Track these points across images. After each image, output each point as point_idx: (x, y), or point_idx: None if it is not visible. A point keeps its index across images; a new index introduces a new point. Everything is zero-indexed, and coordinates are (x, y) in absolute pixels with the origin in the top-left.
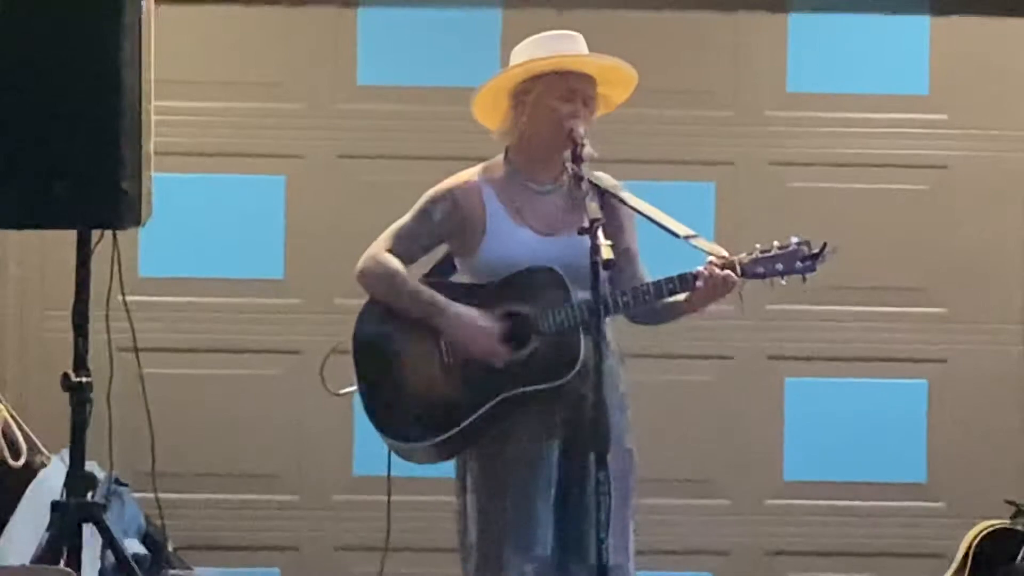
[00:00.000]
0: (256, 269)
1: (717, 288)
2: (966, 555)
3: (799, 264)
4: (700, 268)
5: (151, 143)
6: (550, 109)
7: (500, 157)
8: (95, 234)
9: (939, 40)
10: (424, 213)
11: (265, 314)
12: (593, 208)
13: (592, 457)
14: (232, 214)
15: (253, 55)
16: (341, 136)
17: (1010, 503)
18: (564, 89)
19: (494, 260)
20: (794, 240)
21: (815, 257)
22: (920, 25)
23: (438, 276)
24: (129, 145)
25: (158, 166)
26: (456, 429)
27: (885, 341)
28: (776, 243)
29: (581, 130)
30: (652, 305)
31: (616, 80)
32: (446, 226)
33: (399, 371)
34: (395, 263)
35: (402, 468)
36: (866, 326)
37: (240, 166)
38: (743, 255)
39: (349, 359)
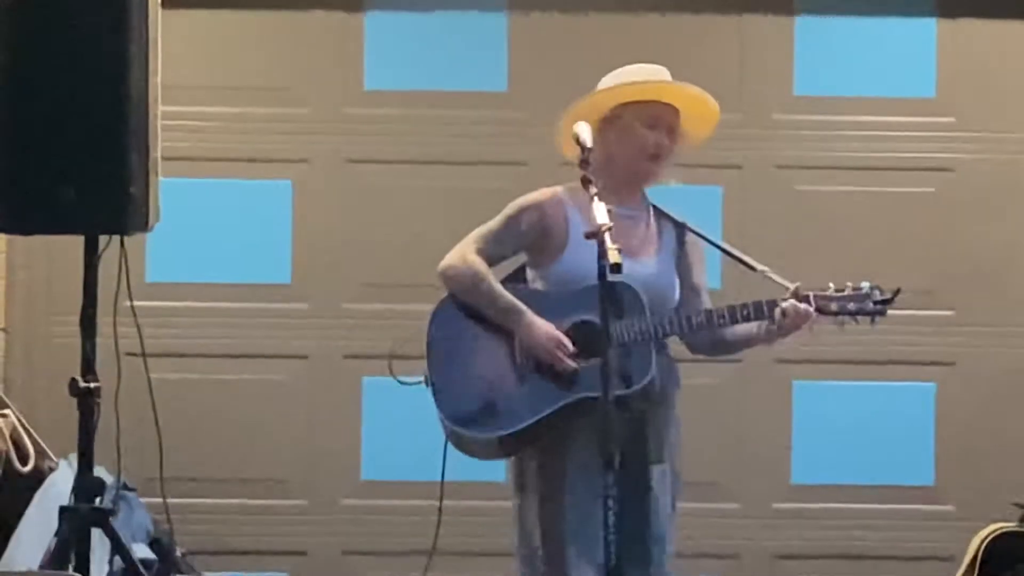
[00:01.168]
0: (263, 274)
1: (797, 320)
2: (974, 558)
3: (871, 306)
4: (784, 302)
5: (158, 148)
6: (637, 137)
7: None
8: (102, 239)
9: (946, 43)
10: (512, 220)
11: (272, 319)
12: (601, 213)
13: (618, 462)
14: (239, 219)
15: (260, 60)
16: (348, 140)
17: (1018, 506)
18: (651, 117)
19: (570, 273)
20: (865, 284)
21: (887, 302)
22: (927, 28)
23: (513, 283)
24: (136, 150)
25: (165, 171)
26: (521, 425)
27: (893, 344)
28: (850, 284)
29: (584, 135)
30: (721, 334)
31: (699, 115)
32: (531, 236)
33: (472, 364)
34: (481, 264)
35: (411, 473)
36: (873, 329)
37: (247, 171)
38: (816, 291)
39: (362, 363)
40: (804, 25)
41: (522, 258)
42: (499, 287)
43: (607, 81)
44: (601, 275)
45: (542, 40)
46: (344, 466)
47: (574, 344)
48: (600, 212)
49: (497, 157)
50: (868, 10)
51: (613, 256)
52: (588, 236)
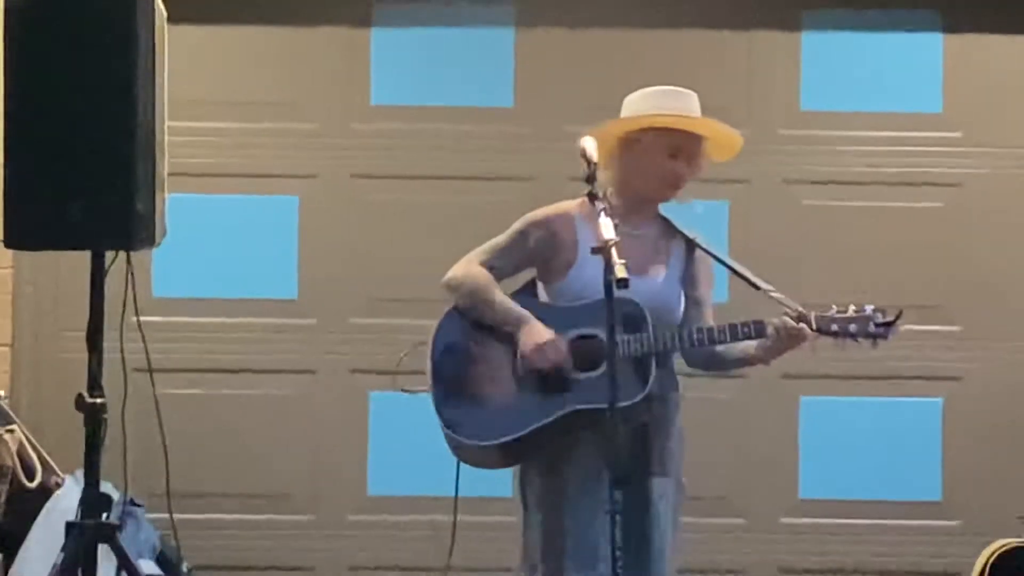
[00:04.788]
0: (270, 289)
1: (789, 340)
2: (981, 573)
3: (873, 328)
4: (774, 320)
5: (165, 164)
6: (656, 164)
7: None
8: (109, 255)
9: (952, 58)
10: (521, 235)
11: (279, 334)
12: (607, 229)
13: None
14: (246, 234)
15: (267, 75)
16: (355, 156)
17: None
18: (673, 147)
19: (578, 289)
20: (868, 308)
21: (889, 325)
22: (933, 43)
23: (523, 297)
24: (143, 166)
25: (172, 186)
26: (518, 434)
27: (899, 359)
28: (852, 306)
29: (589, 149)
30: (719, 351)
31: (724, 145)
32: (539, 252)
33: (473, 374)
34: (484, 273)
35: (417, 488)
36: (880, 344)
37: (254, 186)
38: (819, 312)
39: (369, 378)
40: (811, 41)
41: (532, 272)
42: (501, 295)
43: (635, 99)
44: (607, 290)
45: (548, 56)
46: (351, 481)
47: (575, 357)
48: (607, 227)
49: (504, 172)
50: (875, 26)
51: (619, 271)
52: (595, 251)
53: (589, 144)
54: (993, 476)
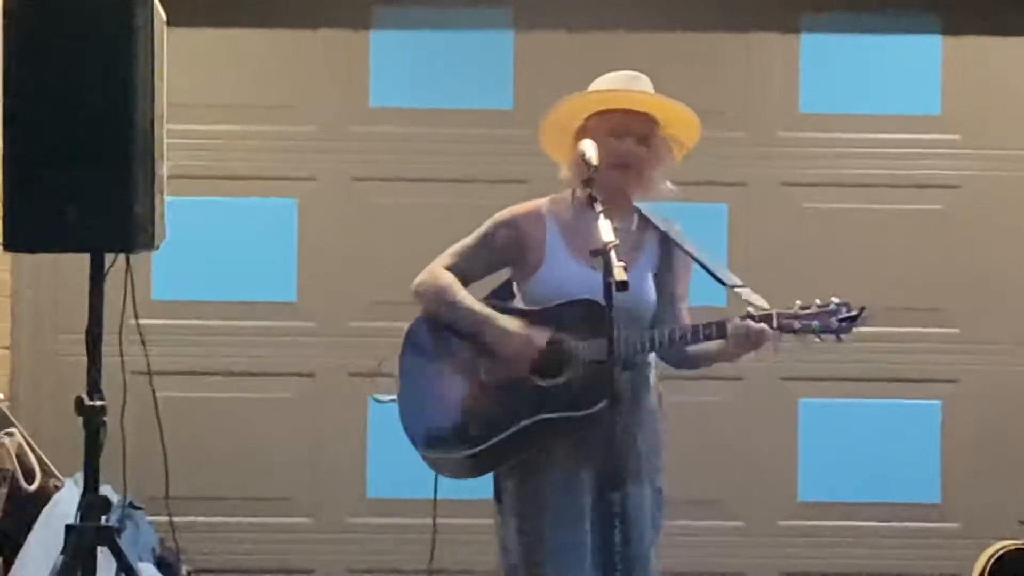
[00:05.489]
0: (269, 292)
1: (748, 340)
2: (981, 575)
3: (836, 323)
4: (736, 319)
5: (164, 167)
6: (602, 146)
7: (568, 192)
8: (108, 257)
9: (951, 60)
10: (487, 237)
11: (278, 337)
12: (606, 231)
13: (593, 481)
14: (245, 237)
15: (265, 78)
16: (353, 159)
17: None
18: (615, 126)
19: (546, 290)
20: (834, 300)
21: (852, 319)
22: (932, 45)
23: (495, 300)
24: (142, 168)
25: (171, 189)
26: (486, 444)
27: (898, 361)
28: (817, 301)
29: (590, 153)
30: (686, 351)
31: (678, 121)
32: (507, 251)
33: (439, 383)
34: (449, 277)
35: (417, 490)
36: (879, 346)
37: (253, 189)
38: (782, 309)
39: (368, 381)
40: (809, 43)
41: (507, 273)
42: (468, 298)
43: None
44: (607, 291)
45: (548, 58)
46: (350, 483)
47: (543, 364)
48: (606, 229)
49: (503, 175)
50: (873, 28)
51: (619, 273)
52: (594, 253)
53: (589, 148)
54: (992, 478)
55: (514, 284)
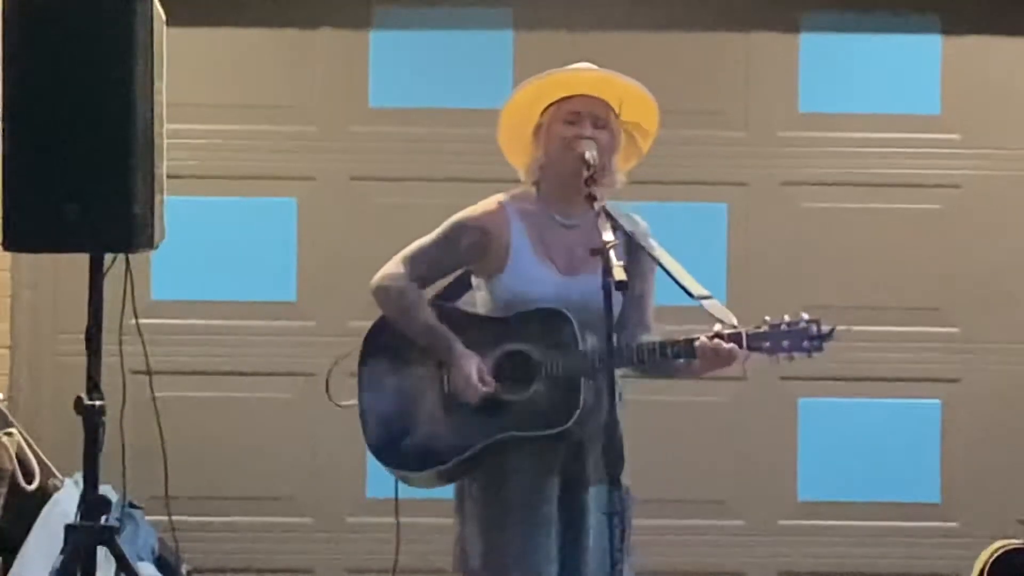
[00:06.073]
0: (269, 292)
1: (718, 358)
2: (980, 575)
3: (806, 343)
4: (703, 338)
5: (164, 166)
6: (557, 136)
7: (532, 187)
8: (108, 257)
9: (951, 60)
10: (449, 240)
11: (278, 337)
12: (607, 231)
13: (607, 479)
14: (244, 237)
15: (265, 78)
16: (353, 158)
17: None
18: (567, 113)
19: (511, 294)
20: (804, 317)
21: (823, 337)
22: (932, 45)
23: (447, 299)
24: (141, 168)
25: (170, 189)
26: (452, 463)
27: (898, 361)
28: (787, 317)
29: (590, 153)
30: (656, 363)
31: (632, 104)
32: (469, 254)
33: (400, 393)
34: (411, 288)
35: (416, 490)
36: (879, 346)
37: (252, 189)
38: (751, 327)
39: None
40: (809, 43)
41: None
42: (429, 314)
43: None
44: (607, 292)
45: (548, 58)
46: (350, 483)
47: (505, 375)
48: (605, 230)
49: (503, 175)
50: (873, 28)
51: (618, 273)
52: (594, 253)
53: (589, 148)
54: (992, 478)
55: (473, 277)
